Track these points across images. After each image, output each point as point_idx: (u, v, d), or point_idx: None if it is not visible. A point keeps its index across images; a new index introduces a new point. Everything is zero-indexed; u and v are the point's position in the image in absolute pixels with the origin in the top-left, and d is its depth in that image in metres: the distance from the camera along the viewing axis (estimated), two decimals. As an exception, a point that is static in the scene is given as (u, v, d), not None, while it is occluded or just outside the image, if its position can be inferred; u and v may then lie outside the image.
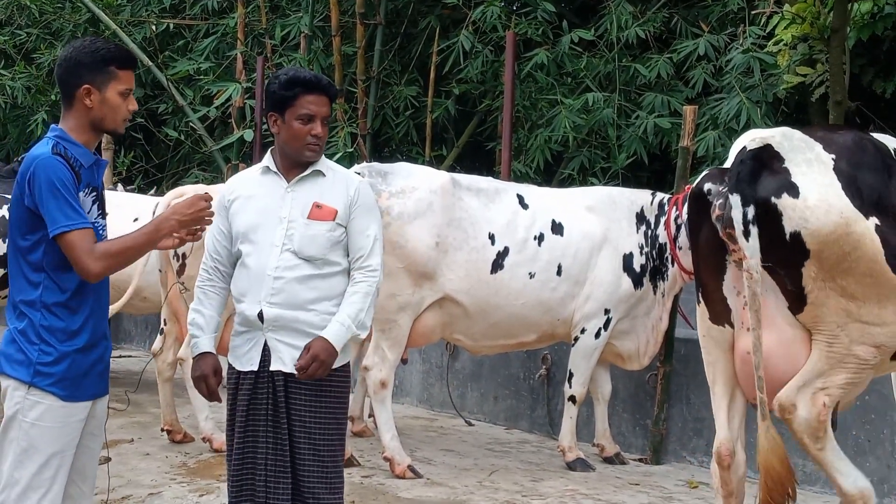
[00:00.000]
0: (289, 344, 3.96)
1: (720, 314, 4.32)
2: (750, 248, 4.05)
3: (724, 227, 4.12)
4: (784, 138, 4.19)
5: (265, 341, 3.98)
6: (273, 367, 3.97)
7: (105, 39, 3.90)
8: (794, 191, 4.03)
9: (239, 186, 4.17)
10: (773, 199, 4.04)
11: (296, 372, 3.91)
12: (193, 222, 3.75)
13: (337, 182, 4.07)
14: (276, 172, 4.08)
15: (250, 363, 4.01)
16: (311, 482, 3.97)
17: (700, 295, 4.41)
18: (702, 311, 4.41)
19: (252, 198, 4.09)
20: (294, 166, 4.06)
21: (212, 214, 3.78)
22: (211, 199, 3.78)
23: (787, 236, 4.02)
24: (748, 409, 4.45)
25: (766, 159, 4.11)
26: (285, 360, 3.95)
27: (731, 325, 4.29)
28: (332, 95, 4.08)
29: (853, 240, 3.98)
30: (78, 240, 3.58)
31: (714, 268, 4.30)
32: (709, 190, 4.26)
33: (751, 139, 4.20)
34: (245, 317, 4.01)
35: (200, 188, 7.40)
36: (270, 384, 3.97)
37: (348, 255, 4.05)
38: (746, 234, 4.05)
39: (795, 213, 4.01)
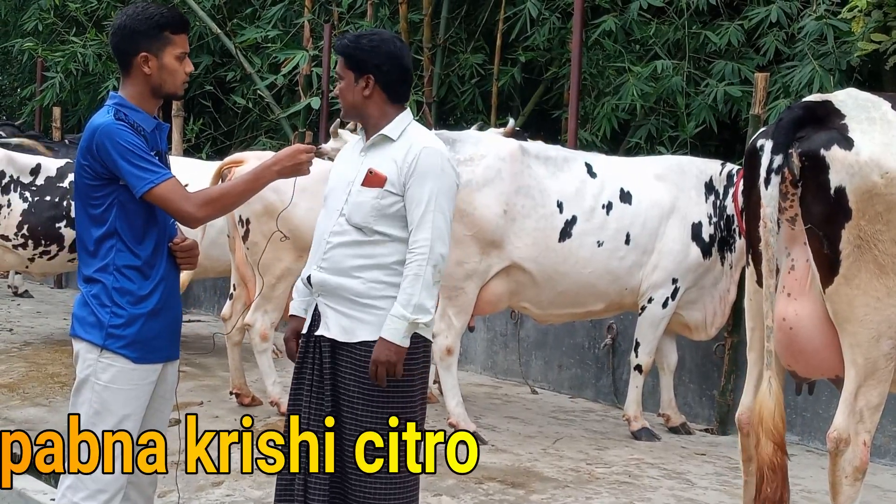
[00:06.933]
0: (335, 309, 3.87)
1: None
2: (767, 196, 4.03)
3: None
4: (848, 97, 4.15)
5: (316, 305, 3.96)
6: (319, 332, 3.91)
7: (156, 5, 3.88)
8: (846, 144, 3.97)
9: (340, 152, 4.21)
10: (822, 151, 3.99)
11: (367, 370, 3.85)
12: (292, 172, 3.81)
13: (399, 148, 3.86)
14: (363, 138, 4.00)
15: (304, 326, 4.03)
16: (352, 454, 3.82)
17: (749, 257, 4.35)
18: (750, 274, 4.36)
19: (339, 163, 4.09)
20: (369, 131, 3.97)
21: (310, 165, 3.82)
22: (313, 150, 3.83)
23: (832, 191, 3.96)
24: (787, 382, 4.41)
25: (822, 114, 4.06)
26: (330, 326, 3.88)
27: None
28: (343, 54, 3.89)
29: (891, 200, 3.91)
30: (169, 190, 3.63)
31: None
32: (761, 145, 4.18)
33: (815, 96, 4.18)
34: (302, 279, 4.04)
35: (263, 154, 7.43)
36: (318, 348, 3.92)
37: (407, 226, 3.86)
38: (767, 181, 4.03)
39: (844, 167, 3.95)
